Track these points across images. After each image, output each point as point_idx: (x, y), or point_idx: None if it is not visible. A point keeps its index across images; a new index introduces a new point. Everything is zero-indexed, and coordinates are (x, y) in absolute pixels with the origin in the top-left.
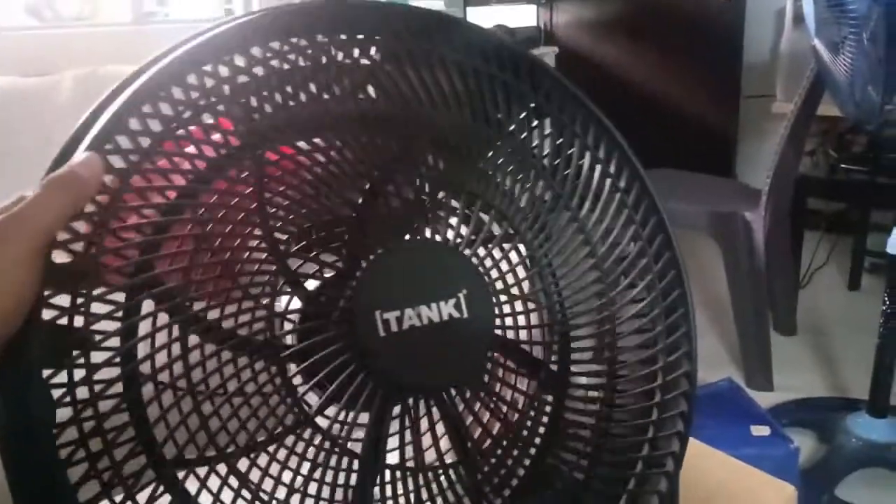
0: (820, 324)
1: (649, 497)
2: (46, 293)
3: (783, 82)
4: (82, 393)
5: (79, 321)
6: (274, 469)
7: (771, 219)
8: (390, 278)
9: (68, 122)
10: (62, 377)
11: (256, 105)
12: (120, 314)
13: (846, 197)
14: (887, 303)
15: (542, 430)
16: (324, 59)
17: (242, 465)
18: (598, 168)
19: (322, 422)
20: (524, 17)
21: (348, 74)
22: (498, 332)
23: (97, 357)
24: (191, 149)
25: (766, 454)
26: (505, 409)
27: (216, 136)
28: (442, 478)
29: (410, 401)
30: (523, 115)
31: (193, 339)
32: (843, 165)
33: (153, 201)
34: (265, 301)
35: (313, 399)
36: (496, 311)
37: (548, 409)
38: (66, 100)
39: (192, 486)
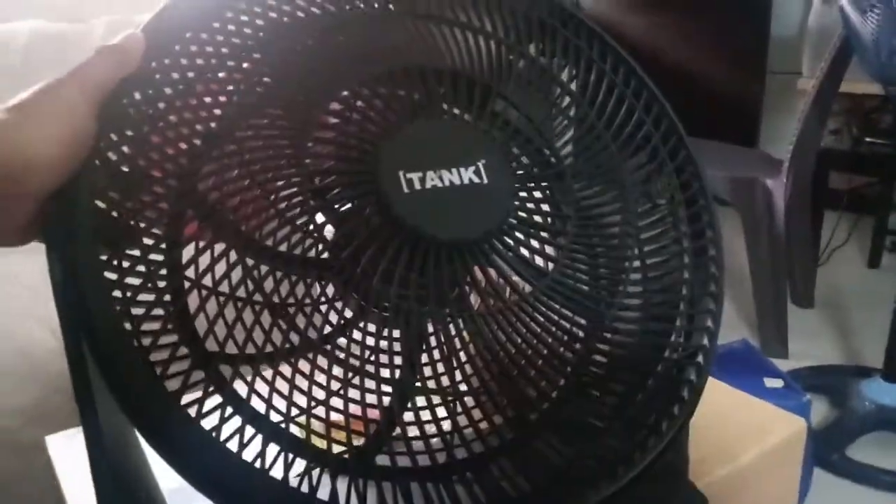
0: (838, 298)
1: (682, 386)
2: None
3: (810, 59)
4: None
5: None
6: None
7: (792, 187)
8: (413, 145)
9: None
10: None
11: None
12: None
13: (869, 171)
14: None
15: (577, 345)
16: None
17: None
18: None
19: (357, 335)
20: None
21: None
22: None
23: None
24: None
25: (778, 405)
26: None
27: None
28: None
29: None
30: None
31: (232, 256)
32: (867, 139)
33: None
34: (299, 221)
35: (348, 314)
36: (516, 181)
37: (582, 328)
38: None
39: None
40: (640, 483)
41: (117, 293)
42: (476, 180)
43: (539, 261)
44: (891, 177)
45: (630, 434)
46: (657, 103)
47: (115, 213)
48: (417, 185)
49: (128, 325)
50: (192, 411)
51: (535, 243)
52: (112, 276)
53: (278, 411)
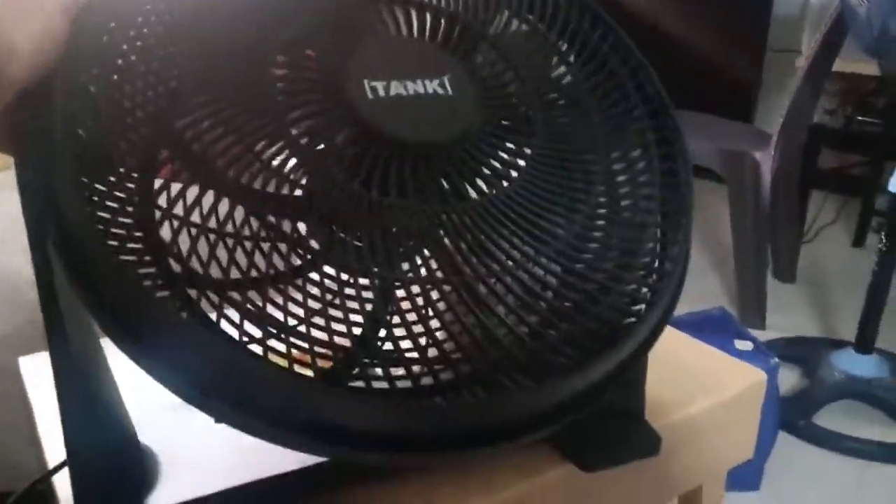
0: (820, 275)
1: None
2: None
3: (809, 37)
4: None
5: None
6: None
7: (780, 161)
8: (378, 59)
9: None
10: None
11: None
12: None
13: (860, 150)
14: (884, 240)
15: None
16: None
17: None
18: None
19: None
20: None
21: None
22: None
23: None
24: None
25: None
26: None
27: None
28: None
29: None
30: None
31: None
32: (859, 118)
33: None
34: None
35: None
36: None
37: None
38: None
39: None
40: (596, 420)
41: (92, 211)
42: (441, 92)
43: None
44: (881, 157)
45: (592, 344)
46: (623, 43)
47: (90, 139)
48: (381, 92)
49: (100, 228)
50: (166, 306)
51: (503, 154)
52: (88, 195)
53: (251, 336)
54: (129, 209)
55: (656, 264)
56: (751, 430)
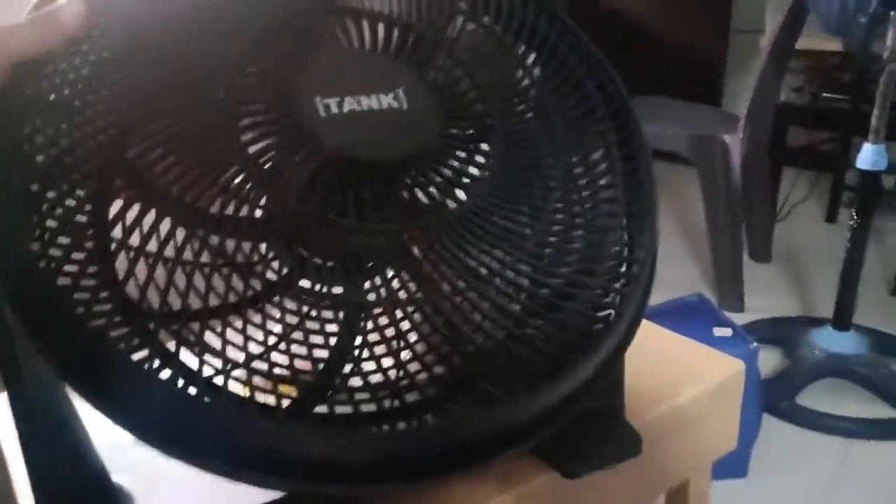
0: (795, 253)
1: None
2: None
3: (772, 17)
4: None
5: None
6: (251, 331)
7: (749, 142)
8: (328, 73)
9: None
10: None
11: None
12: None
13: (827, 126)
14: (854, 217)
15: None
16: None
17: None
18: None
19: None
20: None
21: None
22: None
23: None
24: None
25: (725, 353)
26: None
27: None
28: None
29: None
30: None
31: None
32: (825, 94)
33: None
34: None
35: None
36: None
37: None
38: None
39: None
40: (576, 424)
41: (43, 251)
42: (395, 105)
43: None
44: (849, 131)
45: (561, 354)
46: (580, 42)
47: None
48: (335, 109)
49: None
50: (120, 351)
51: (462, 165)
52: (37, 245)
53: (211, 365)
54: (82, 242)
55: (623, 268)
56: (733, 421)
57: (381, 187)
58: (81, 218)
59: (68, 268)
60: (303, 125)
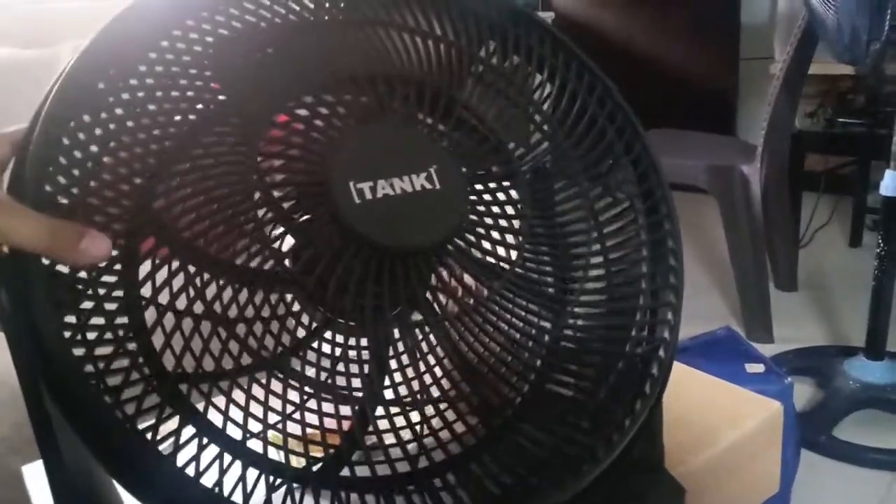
0: (821, 280)
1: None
2: None
3: (781, 43)
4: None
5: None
6: (277, 388)
7: (767, 171)
8: (363, 154)
9: None
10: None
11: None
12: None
13: (845, 151)
14: (881, 244)
15: (543, 340)
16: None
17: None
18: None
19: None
20: None
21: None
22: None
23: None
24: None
25: (760, 390)
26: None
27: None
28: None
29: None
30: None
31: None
32: (840, 119)
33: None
34: (258, 234)
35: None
36: (469, 186)
37: (547, 326)
38: None
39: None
40: (616, 477)
41: (70, 318)
42: (428, 186)
43: (499, 260)
44: (866, 155)
45: (594, 430)
46: (611, 98)
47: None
48: (369, 195)
49: (81, 352)
50: (150, 436)
51: (488, 245)
52: (70, 316)
53: (241, 427)
54: (112, 313)
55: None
56: (773, 462)
57: (415, 276)
58: (109, 278)
59: (98, 348)
60: (339, 215)
